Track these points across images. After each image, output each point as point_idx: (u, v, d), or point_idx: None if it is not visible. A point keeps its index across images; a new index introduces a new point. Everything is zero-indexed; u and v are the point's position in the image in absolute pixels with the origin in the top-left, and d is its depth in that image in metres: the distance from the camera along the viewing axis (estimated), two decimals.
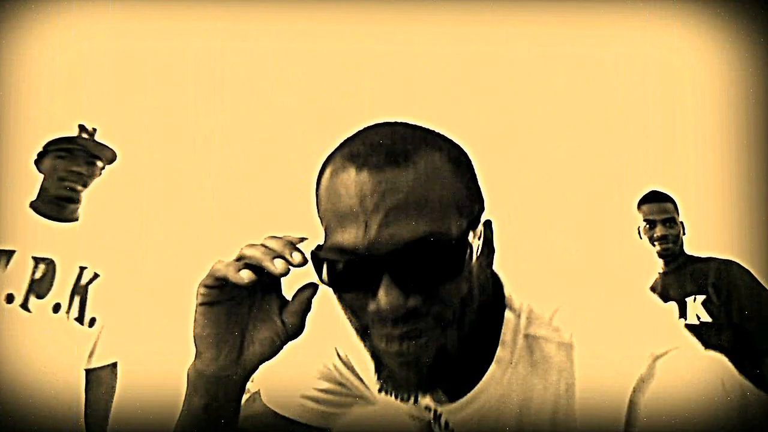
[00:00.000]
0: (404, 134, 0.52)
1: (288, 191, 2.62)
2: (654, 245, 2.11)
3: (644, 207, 2.14)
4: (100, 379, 1.62)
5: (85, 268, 1.58)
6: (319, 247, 0.53)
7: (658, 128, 2.94)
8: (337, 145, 0.55)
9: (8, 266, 1.48)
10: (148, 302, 1.77)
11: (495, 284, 0.61)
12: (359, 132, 0.55)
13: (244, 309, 0.57)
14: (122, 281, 1.65)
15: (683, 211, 2.15)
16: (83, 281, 1.57)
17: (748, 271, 1.98)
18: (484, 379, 0.59)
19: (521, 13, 2.68)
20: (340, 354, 0.74)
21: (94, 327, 1.58)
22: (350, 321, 0.55)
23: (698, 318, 1.96)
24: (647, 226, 2.12)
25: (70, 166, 1.57)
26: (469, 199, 0.53)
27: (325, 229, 0.54)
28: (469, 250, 0.51)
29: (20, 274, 1.49)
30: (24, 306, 1.47)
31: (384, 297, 0.48)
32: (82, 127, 1.61)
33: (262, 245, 0.53)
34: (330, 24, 2.71)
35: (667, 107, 2.92)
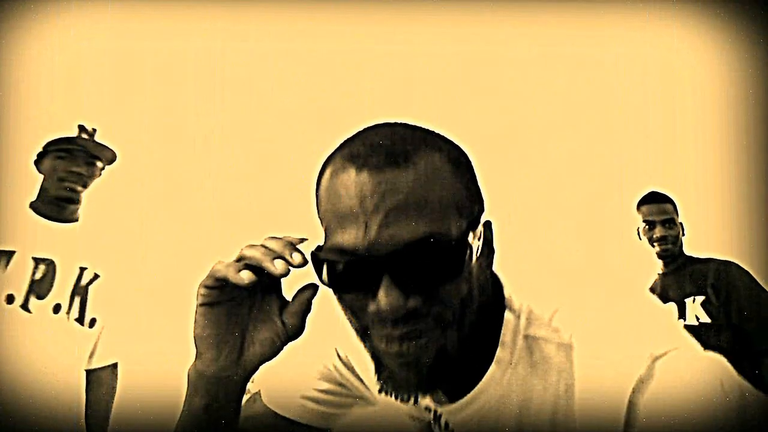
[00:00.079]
0: (404, 135, 0.53)
1: (288, 191, 2.62)
2: (653, 246, 2.11)
3: (644, 208, 2.14)
4: (100, 380, 1.62)
5: (86, 268, 1.58)
6: (319, 248, 0.54)
7: (658, 128, 2.94)
8: (337, 145, 0.55)
9: (8, 267, 1.48)
10: (148, 303, 1.76)
11: (495, 285, 0.61)
12: (359, 132, 0.55)
13: (245, 310, 0.57)
14: (122, 282, 1.65)
15: (683, 212, 2.15)
16: (83, 282, 1.57)
17: (747, 272, 1.98)
18: (483, 379, 0.59)
19: (521, 13, 2.68)
20: (341, 355, 0.74)
21: (94, 327, 1.58)
22: (350, 322, 0.55)
23: (697, 319, 1.96)
24: (647, 227, 2.12)
25: (70, 166, 1.57)
26: (468, 200, 0.54)
27: (325, 230, 0.54)
28: (468, 251, 0.51)
29: (20, 274, 1.49)
30: (24, 307, 1.47)
31: (384, 298, 0.48)
32: (81, 128, 1.61)
33: (263, 246, 0.54)
34: (330, 24, 2.71)
35: (667, 107, 2.92)
